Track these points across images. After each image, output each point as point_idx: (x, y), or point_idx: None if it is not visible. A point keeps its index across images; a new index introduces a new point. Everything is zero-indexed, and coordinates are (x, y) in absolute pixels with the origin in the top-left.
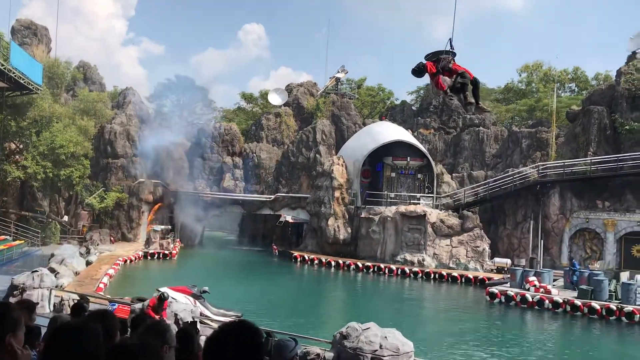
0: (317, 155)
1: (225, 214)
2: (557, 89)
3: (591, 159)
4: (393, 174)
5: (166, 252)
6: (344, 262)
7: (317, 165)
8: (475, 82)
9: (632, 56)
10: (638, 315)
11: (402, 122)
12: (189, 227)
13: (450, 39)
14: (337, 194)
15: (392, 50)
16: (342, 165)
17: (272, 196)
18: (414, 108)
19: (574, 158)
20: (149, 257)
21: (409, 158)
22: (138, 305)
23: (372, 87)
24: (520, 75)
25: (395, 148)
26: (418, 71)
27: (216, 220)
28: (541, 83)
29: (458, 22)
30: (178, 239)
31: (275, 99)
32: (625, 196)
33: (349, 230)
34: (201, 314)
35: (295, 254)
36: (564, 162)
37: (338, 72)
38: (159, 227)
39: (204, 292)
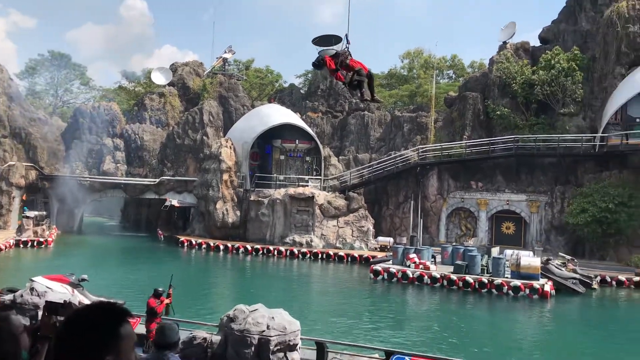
0: (204, 137)
1: (106, 198)
2: (436, 75)
3: (466, 143)
4: (282, 157)
5: (41, 239)
6: (232, 246)
7: (205, 147)
8: (370, 76)
9: (502, 46)
10: (506, 287)
11: (291, 105)
12: (66, 212)
13: (346, 34)
14: (225, 176)
15: (281, 32)
16: (231, 148)
17: (157, 180)
18: (302, 91)
19: (451, 141)
20: (22, 246)
21: (297, 141)
22: (9, 297)
23: (261, 69)
24: (402, 62)
25: (284, 131)
26: (318, 65)
27: (97, 205)
28: (422, 69)
29: (342, 8)
30: (54, 226)
31: (159, 79)
32: (496, 177)
33: (238, 213)
34: (80, 303)
35: (182, 238)
36: (441, 146)
37: (225, 52)
38: (32, 214)
39: (83, 280)
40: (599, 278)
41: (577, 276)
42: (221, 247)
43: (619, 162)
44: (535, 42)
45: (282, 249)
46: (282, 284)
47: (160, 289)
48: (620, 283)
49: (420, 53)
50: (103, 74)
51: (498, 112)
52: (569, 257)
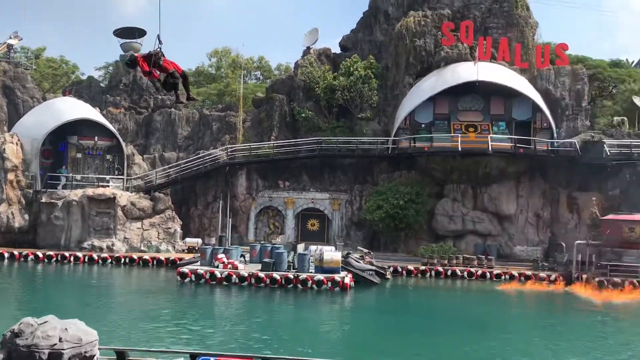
0: None
1: None
2: (244, 75)
3: (274, 143)
4: (79, 155)
5: None
6: (20, 253)
7: None
8: (184, 76)
9: (306, 51)
10: (310, 281)
11: (90, 100)
12: None
13: (158, 35)
14: (10, 176)
15: (79, 20)
16: (17, 144)
17: None
18: (102, 85)
19: (260, 142)
20: None
21: (96, 138)
22: None
23: (54, 58)
24: (210, 60)
25: (81, 127)
26: (131, 64)
27: None
28: (230, 69)
29: (147, 2)
30: None
31: None
32: (302, 177)
33: (27, 217)
34: None
35: None
36: (250, 145)
37: (10, 38)
38: None
39: None
40: (391, 269)
41: (374, 268)
42: (5, 255)
43: (408, 163)
44: (336, 49)
45: (80, 254)
46: (80, 292)
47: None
48: (409, 272)
49: (228, 52)
50: None
51: (303, 115)
52: (366, 250)
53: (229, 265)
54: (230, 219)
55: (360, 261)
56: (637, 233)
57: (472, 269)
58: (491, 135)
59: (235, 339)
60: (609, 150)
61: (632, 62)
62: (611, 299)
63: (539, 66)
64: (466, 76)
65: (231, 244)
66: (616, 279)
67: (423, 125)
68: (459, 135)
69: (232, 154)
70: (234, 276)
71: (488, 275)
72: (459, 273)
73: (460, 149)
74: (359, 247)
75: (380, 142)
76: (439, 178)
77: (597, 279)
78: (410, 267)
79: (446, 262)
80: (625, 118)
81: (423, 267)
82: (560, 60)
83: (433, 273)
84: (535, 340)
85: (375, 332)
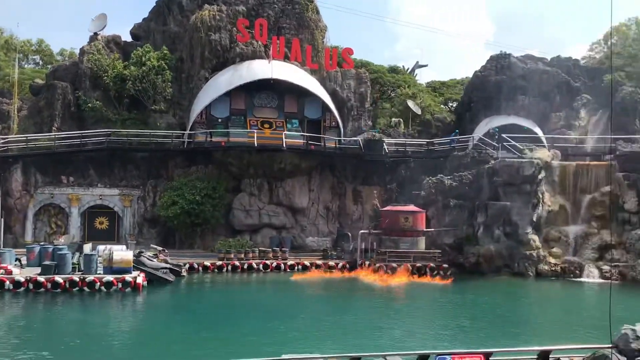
0: None
1: None
2: (20, 59)
3: (56, 135)
4: None
5: None
6: None
7: None
8: None
9: (93, 37)
10: (98, 283)
11: None
12: None
13: None
14: None
15: None
16: None
17: None
18: None
19: (39, 132)
20: None
21: None
22: None
23: None
24: None
25: None
26: None
27: None
28: (2, 51)
29: None
30: None
31: None
32: (88, 171)
33: None
34: None
35: None
36: (27, 137)
37: None
38: None
39: None
40: (187, 265)
41: (168, 266)
42: None
43: (204, 158)
44: (127, 37)
45: None
46: None
47: None
48: (205, 268)
49: None
50: None
51: (90, 105)
52: (160, 248)
53: (2, 270)
54: (3, 219)
55: (154, 259)
56: (411, 222)
57: (268, 262)
58: (285, 132)
59: (8, 352)
60: (387, 148)
61: (407, 69)
62: (389, 282)
63: (327, 68)
64: (261, 73)
65: (4, 246)
66: (393, 264)
67: (220, 120)
68: (255, 131)
69: (5, 146)
70: (8, 282)
71: (282, 266)
72: (255, 266)
73: (256, 144)
74: (152, 245)
75: (176, 135)
76: (235, 173)
77: (377, 265)
78: (207, 263)
79: (242, 256)
80: (401, 119)
81: (220, 262)
82: (347, 63)
83: (230, 268)
84: (319, 323)
85: (164, 331)
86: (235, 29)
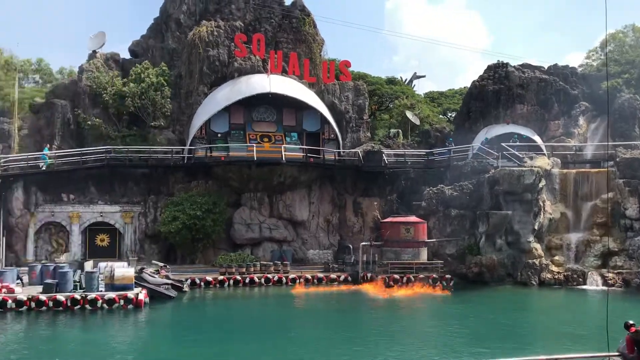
0: None
1: None
2: (20, 79)
3: (56, 153)
4: None
5: None
6: None
7: None
8: None
9: (92, 55)
10: (100, 301)
11: None
12: None
13: None
14: None
15: None
16: None
17: None
18: None
19: (39, 151)
20: None
21: None
22: None
23: None
24: None
25: None
26: None
27: None
28: (2, 70)
29: None
30: None
31: None
32: (89, 189)
33: None
34: None
35: None
36: (28, 156)
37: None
38: None
39: None
40: (189, 281)
41: (170, 282)
42: None
43: (205, 172)
44: (125, 54)
45: None
46: None
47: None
48: (207, 283)
49: (0, 53)
50: None
51: (89, 122)
52: (161, 264)
53: (4, 290)
54: (4, 238)
55: (156, 275)
56: (412, 233)
57: (269, 275)
58: (284, 145)
59: None
60: (386, 159)
61: (405, 80)
62: (393, 294)
63: (325, 81)
64: (259, 88)
65: (5, 265)
66: (396, 276)
67: (219, 135)
68: (254, 145)
69: (6, 165)
70: (10, 300)
71: (284, 280)
72: (256, 280)
73: (255, 158)
74: (153, 261)
75: (176, 151)
76: (235, 187)
77: (379, 277)
78: (209, 277)
79: (244, 270)
80: (400, 130)
81: (221, 277)
82: (344, 76)
83: (231, 282)
84: (320, 336)
85: (167, 348)
86: (233, 44)
